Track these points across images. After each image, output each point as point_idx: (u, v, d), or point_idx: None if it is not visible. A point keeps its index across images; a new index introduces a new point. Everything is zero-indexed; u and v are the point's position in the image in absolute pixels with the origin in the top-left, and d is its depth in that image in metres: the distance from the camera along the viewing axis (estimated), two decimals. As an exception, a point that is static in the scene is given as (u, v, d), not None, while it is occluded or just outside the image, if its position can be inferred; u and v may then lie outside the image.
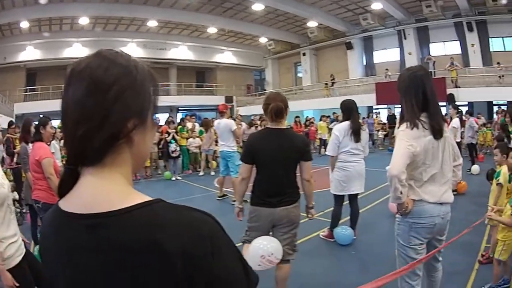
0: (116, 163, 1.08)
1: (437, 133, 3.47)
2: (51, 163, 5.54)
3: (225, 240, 1.05)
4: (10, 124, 13.42)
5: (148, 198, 1.05)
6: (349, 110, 6.84)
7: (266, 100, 4.49)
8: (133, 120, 1.06)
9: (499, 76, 24.05)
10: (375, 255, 6.41)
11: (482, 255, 6.02)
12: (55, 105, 24.28)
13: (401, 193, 3.37)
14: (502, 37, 27.63)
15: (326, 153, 6.86)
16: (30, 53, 30.66)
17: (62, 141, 14.53)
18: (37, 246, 6.57)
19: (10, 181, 9.82)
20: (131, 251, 0.96)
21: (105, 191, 1.05)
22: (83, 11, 25.50)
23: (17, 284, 3.28)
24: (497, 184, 5.72)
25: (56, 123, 25.62)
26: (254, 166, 4.48)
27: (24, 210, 10.44)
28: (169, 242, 0.95)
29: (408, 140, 3.43)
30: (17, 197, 10.19)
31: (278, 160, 4.32)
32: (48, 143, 6.24)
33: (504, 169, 5.70)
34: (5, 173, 7.41)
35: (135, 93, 1.08)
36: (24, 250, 3.54)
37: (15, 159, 11.29)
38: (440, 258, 3.94)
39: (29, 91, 31.50)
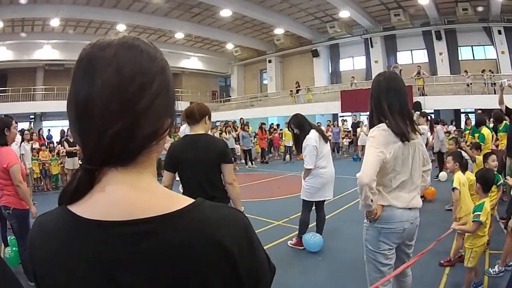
0: (147, 163, 1.02)
1: (404, 137, 3.47)
2: (19, 170, 5.41)
3: (254, 232, 1.06)
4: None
5: (190, 199, 1.00)
6: (302, 123, 6.99)
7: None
8: (168, 119, 1.03)
9: (467, 84, 24.62)
10: (343, 261, 6.43)
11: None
12: (25, 107, 24.07)
13: (372, 200, 3.38)
14: (472, 45, 28.28)
15: (305, 166, 6.76)
16: (2, 54, 30.20)
17: (32, 143, 14.46)
18: (7, 248, 6.47)
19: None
20: (194, 253, 0.92)
21: (145, 194, 0.98)
22: (55, 12, 25.00)
23: None
24: (452, 190, 5.97)
25: (25, 125, 25.31)
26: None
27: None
28: (227, 239, 0.95)
29: (378, 147, 3.44)
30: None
31: (197, 165, 4.33)
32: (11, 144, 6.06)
33: (457, 175, 5.95)
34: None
35: (170, 91, 1.05)
36: None
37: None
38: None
39: (0, 92, 30.93)
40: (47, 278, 0.98)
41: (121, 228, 0.91)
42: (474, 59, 28.30)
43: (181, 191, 4.30)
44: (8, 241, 6.75)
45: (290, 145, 22.65)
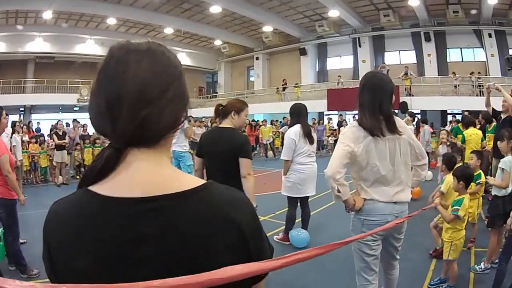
0: (165, 148, 1.17)
1: (374, 132, 3.57)
2: (7, 160, 5.43)
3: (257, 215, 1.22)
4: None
5: (203, 180, 1.14)
6: (297, 113, 6.96)
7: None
8: (184, 111, 1.19)
9: (455, 86, 24.88)
10: (329, 255, 6.39)
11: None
12: (15, 99, 23.86)
13: (339, 191, 3.53)
14: (461, 48, 28.58)
15: (282, 157, 6.89)
16: (-4, 45, 29.96)
17: (22, 135, 14.46)
18: None
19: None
20: (209, 228, 1.05)
21: (162, 174, 1.11)
22: (48, 4, 24.84)
23: None
24: (440, 192, 6.26)
25: (15, 118, 25.18)
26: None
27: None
28: (239, 218, 1.09)
29: (344, 141, 3.60)
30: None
31: (218, 154, 4.68)
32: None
33: (448, 178, 6.12)
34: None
35: (186, 89, 1.21)
36: None
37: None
38: (398, 257, 4.08)
39: (-9, 83, 30.67)
40: (68, 262, 1.05)
41: (145, 204, 1.03)
42: (462, 61, 28.57)
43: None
44: None
45: (269, 141, 23.24)
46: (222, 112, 4.88)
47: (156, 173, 1.10)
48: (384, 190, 3.66)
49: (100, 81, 1.11)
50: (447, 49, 28.76)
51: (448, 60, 28.76)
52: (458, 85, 24.91)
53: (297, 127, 6.78)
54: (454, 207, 5.06)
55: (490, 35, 26.21)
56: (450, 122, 19.38)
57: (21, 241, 6.22)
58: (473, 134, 10.35)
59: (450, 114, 26.66)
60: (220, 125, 4.93)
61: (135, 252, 1.01)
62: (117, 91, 1.06)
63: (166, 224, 1.03)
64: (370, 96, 3.65)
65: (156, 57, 1.13)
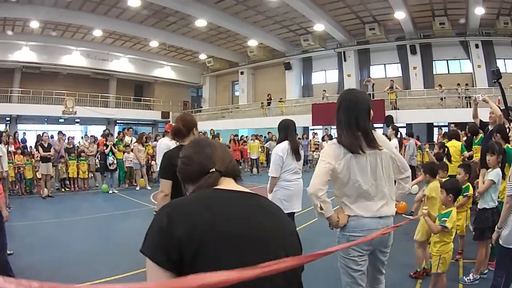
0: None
1: (353, 150, 3.59)
2: None
3: None
4: None
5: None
6: (285, 129, 6.84)
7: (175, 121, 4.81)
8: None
9: (441, 98, 25.01)
10: (316, 271, 6.13)
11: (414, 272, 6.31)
12: (2, 108, 24.22)
13: (321, 208, 3.53)
14: (447, 60, 28.82)
15: (269, 174, 6.75)
16: (-20, 53, 29.71)
17: (7, 146, 14.28)
18: None
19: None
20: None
21: (239, 186, 1.86)
22: (35, 14, 24.86)
23: None
24: (423, 194, 6.22)
25: (1, 127, 24.85)
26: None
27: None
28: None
29: (325, 158, 3.62)
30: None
31: None
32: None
33: (433, 184, 6.09)
34: None
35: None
36: None
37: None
38: (384, 271, 4.03)
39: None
40: (211, 247, 1.46)
41: (245, 193, 1.78)
42: (449, 73, 28.84)
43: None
44: None
45: (256, 157, 23.14)
46: (181, 134, 4.74)
47: (236, 186, 1.86)
48: (367, 205, 3.65)
49: (187, 156, 1.94)
50: (433, 62, 28.95)
51: (434, 73, 28.97)
52: (445, 98, 25.05)
53: (285, 144, 6.69)
54: (442, 219, 5.08)
55: (477, 46, 26.52)
56: (438, 134, 19.43)
57: (8, 252, 6.14)
58: (451, 146, 10.41)
59: (436, 126, 26.87)
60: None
61: (253, 220, 1.65)
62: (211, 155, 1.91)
63: (259, 204, 1.76)
64: (346, 114, 3.68)
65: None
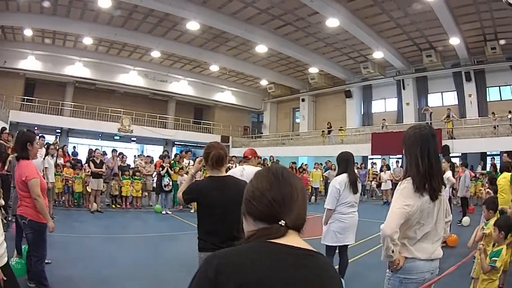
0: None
1: (434, 195, 3.46)
2: (38, 184, 5.38)
3: None
4: (2, 129, 13.31)
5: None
6: (345, 161, 6.83)
7: (207, 148, 4.56)
8: None
9: (494, 127, 24.19)
10: None
11: None
12: (52, 120, 24.32)
13: (393, 251, 3.39)
14: (499, 86, 27.93)
15: (325, 206, 6.71)
16: (30, 63, 30.57)
17: (56, 157, 14.50)
18: (15, 258, 6.40)
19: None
20: (332, 272, 1.71)
21: (302, 241, 1.66)
22: (88, 31, 25.74)
23: (5, 278, 3.33)
24: (483, 233, 6.07)
25: (51, 138, 25.52)
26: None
27: (9, 218, 10.36)
28: None
29: (405, 200, 3.42)
30: (2, 203, 10.09)
31: (225, 206, 4.26)
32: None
33: (492, 222, 5.86)
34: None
35: None
36: (7, 259, 3.53)
37: (6, 167, 11.22)
38: None
39: (27, 101, 31.35)
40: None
41: (300, 250, 1.61)
42: (501, 99, 27.90)
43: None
44: (22, 250, 6.72)
45: (317, 186, 22.78)
46: (222, 159, 4.52)
47: (300, 241, 1.66)
48: (425, 247, 3.54)
49: (275, 191, 1.66)
50: (487, 88, 28.15)
51: (487, 100, 28.12)
52: (497, 126, 24.17)
53: (343, 176, 6.68)
54: (492, 258, 5.00)
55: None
56: (491, 164, 18.71)
57: (46, 261, 6.10)
58: (501, 178, 9.78)
59: (489, 155, 25.98)
60: (213, 174, 4.61)
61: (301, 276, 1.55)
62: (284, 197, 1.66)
63: (318, 264, 1.65)
64: (425, 156, 3.50)
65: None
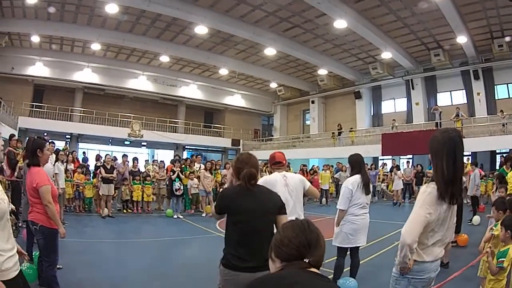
0: None
1: (453, 201, 3.44)
2: (49, 190, 5.39)
3: None
4: (11, 136, 13.39)
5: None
6: (358, 164, 6.92)
7: (238, 163, 4.34)
8: None
9: (503, 125, 24.09)
10: None
11: None
12: (62, 126, 24.38)
13: (409, 259, 3.40)
14: (507, 83, 27.71)
15: (338, 207, 6.75)
16: (38, 69, 30.65)
17: (66, 163, 14.56)
18: (26, 263, 6.46)
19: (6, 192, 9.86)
20: None
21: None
22: (96, 36, 25.86)
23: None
24: (491, 234, 5.93)
25: (61, 144, 25.56)
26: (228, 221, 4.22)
27: (20, 224, 10.42)
28: None
29: (429, 207, 3.37)
30: (13, 207, 10.16)
31: (257, 217, 4.03)
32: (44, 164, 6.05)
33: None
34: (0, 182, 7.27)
35: None
36: (19, 268, 3.49)
37: (16, 173, 11.30)
38: None
39: (35, 107, 31.41)
40: None
41: (322, 276, 1.90)
42: (509, 97, 27.69)
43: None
44: (33, 256, 6.75)
45: (327, 188, 22.75)
46: (254, 177, 4.20)
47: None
48: (434, 250, 3.58)
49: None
50: (495, 86, 27.93)
51: (496, 98, 27.90)
52: (506, 124, 23.99)
53: (356, 177, 6.74)
54: (500, 259, 5.00)
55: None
56: (500, 162, 18.57)
57: (57, 266, 6.14)
58: (510, 176, 9.60)
59: (499, 154, 25.82)
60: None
61: None
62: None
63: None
64: (451, 161, 3.44)
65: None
